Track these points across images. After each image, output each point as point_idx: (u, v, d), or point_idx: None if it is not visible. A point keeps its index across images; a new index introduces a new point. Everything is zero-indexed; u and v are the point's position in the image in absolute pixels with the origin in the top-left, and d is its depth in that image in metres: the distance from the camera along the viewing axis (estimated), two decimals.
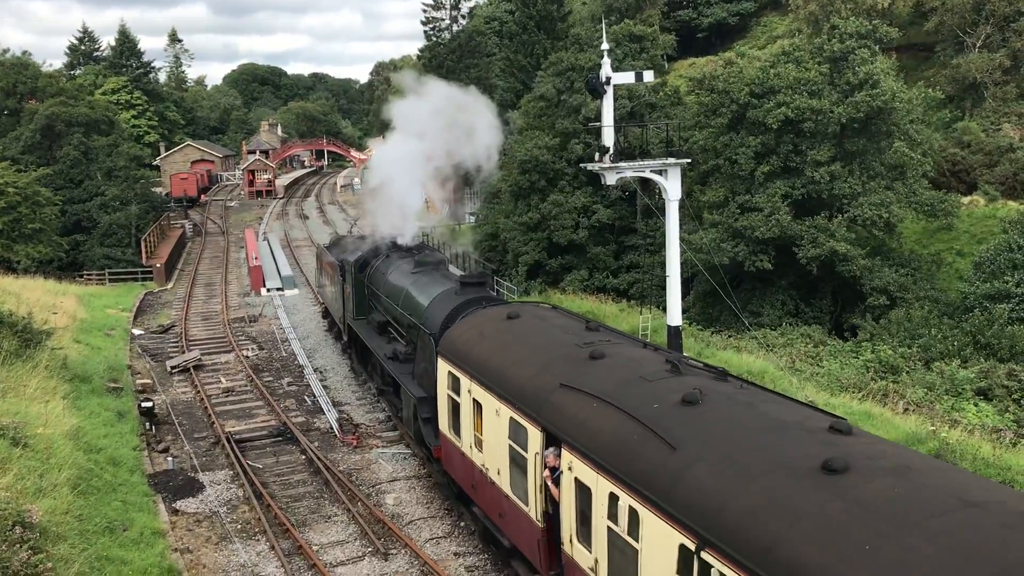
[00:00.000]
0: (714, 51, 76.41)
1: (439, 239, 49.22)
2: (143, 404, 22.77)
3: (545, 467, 11.24)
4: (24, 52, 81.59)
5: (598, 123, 24.25)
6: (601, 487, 9.58)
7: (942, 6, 52.68)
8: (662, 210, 24.70)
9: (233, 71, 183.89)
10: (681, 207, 24.16)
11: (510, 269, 43.37)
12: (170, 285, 46.34)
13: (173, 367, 28.16)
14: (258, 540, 16.18)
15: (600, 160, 23.18)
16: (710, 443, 8.58)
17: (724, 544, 7.41)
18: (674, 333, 24.38)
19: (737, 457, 8.20)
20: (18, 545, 11.23)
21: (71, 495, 14.61)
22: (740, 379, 10.84)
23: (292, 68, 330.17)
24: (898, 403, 23.29)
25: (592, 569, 9.97)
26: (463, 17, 70.58)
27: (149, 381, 26.71)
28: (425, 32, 70.94)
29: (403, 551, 15.41)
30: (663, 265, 25.06)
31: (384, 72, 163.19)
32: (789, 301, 35.64)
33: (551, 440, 11.04)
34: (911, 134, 35.40)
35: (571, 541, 10.56)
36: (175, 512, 17.38)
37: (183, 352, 30.21)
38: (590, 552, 10.03)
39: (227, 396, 25.43)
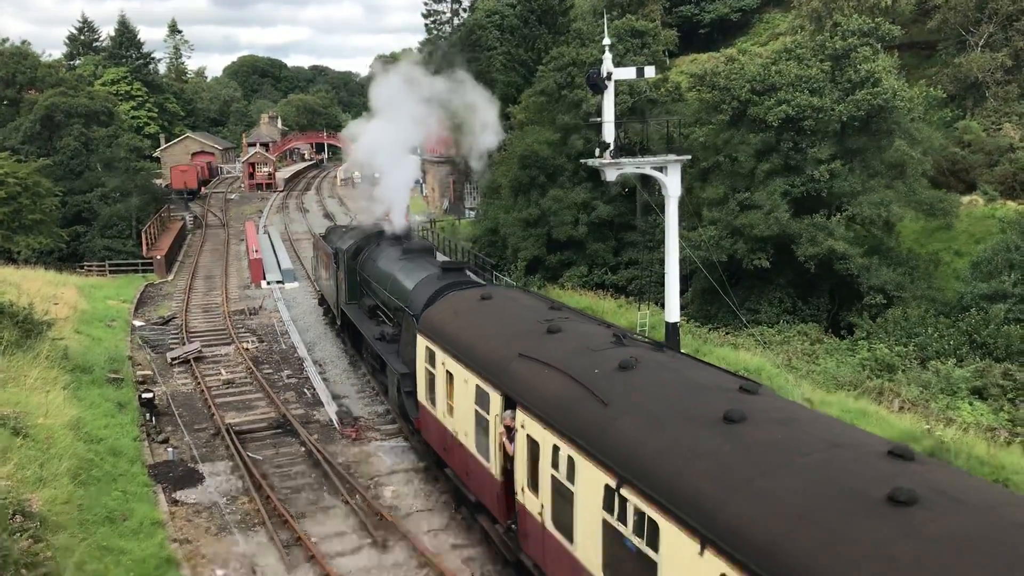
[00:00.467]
0: (716, 47, 76.42)
1: (439, 234, 49.31)
2: (143, 395, 22.84)
3: (503, 427, 12.54)
4: (24, 42, 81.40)
5: (599, 119, 24.31)
6: (547, 441, 10.90)
7: (945, 4, 52.69)
8: (662, 207, 24.78)
9: (233, 63, 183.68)
10: (681, 204, 24.23)
11: (509, 264, 43.46)
12: (170, 277, 46.41)
13: (173, 358, 28.25)
14: (257, 531, 16.28)
15: (600, 156, 23.24)
16: (636, 400, 9.82)
17: (637, 481, 8.72)
18: (672, 330, 24.47)
19: (655, 411, 9.46)
20: (18, 534, 11.32)
21: (71, 485, 14.72)
22: (674, 350, 12.40)
23: (292, 60, 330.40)
24: (893, 401, 23.41)
25: (539, 513, 11.38)
26: (464, 11, 70.61)
27: (149, 372, 26.80)
28: (426, 25, 71.06)
29: (401, 543, 15.52)
30: (662, 262, 25.15)
31: (385, 65, 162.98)
32: (787, 299, 35.76)
33: (509, 403, 12.30)
34: (912, 133, 35.47)
35: (523, 490, 11.96)
36: (175, 503, 17.47)
37: (183, 344, 30.29)
38: (537, 498, 11.42)
39: (227, 388, 25.52)
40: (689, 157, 26.28)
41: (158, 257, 48.11)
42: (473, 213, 59.66)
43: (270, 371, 27.21)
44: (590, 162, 24.50)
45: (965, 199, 40.98)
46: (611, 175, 23.48)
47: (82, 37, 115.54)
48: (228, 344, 30.64)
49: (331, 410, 22.84)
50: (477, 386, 13.41)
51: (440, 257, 24.84)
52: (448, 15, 70.60)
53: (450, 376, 14.79)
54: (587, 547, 9.98)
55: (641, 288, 37.95)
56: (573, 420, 10.31)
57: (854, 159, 35.32)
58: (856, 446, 8.07)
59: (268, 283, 41.27)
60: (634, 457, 8.97)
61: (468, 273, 20.48)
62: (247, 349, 29.64)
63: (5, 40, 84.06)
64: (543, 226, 41.92)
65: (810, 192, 34.88)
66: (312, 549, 15.24)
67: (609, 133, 23.14)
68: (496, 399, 12.65)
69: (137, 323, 34.18)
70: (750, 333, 31.72)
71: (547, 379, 11.33)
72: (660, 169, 23.55)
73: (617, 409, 9.74)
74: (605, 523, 9.45)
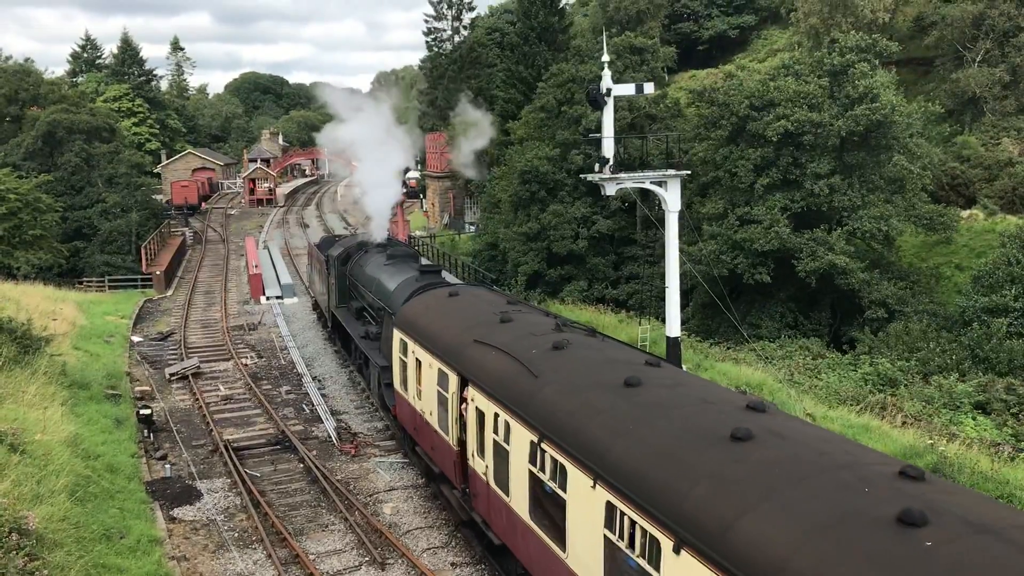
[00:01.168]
0: (714, 64, 76.77)
1: (439, 248, 49.32)
2: (141, 411, 22.75)
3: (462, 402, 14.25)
4: (27, 59, 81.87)
5: (598, 134, 24.35)
6: (491, 410, 12.69)
7: (942, 21, 52.97)
8: (662, 221, 24.77)
9: (235, 79, 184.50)
10: (681, 219, 24.22)
11: (510, 279, 43.42)
12: (170, 292, 46.36)
13: (172, 374, 28.15)
14: (255, 548, 16.15)
15: (600, 171, 23.25)
16: (561, 373, 11.68)
17: (554, 435, 10.63)
18: (673, 344, 24.39)
19: (574, 380, 11.36)
20: (14, 552, 11.21)
21: (68, 502, 14.59)
22: (604, 335, 14.57)
23: (294, 77, 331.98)
24: (896, 416, 23.29)
25: (484, 473, 13.27)
26: (465, 28, 70.87)
27: (148, 388, 26.71)
28: (427, 42, 71.26)
29: (400, 561, 15.39)
30: (662, 276, 25.10)
31: (386, 81, 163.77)
32: (788, 313, 35.69)
33: (463, 382, 14.03)
34: (911, 148, 35.51)
35: (473, 456, 13.84)
36: (172, 520, 17.35)
37: (182, 359, 30.21)
38: (483, 461, 13.27)
39: (226, 404, 25.42)
40: (688, 172, 26.33)
41: (157, 272, 48.07)
42: (473, 228, 59.70)
43: (269, 387, 27.11)
44: (590, 177, 24.52)
45: (965, 213, 41.00)
46: (611, 190, 23.49)
47: (85, 54, 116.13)
48: (227, 360, 30.55)
49: (330, 426, 22.73)
50: (439, 369, 15.18)
51: (424, 261, 27.30)
52: (449, 32, 70.85)
53: (419, 363, 16.55)
54: (518, 497, 11.92)
55: (642, 302, 37.92)
56: (511, 391, 12.16)
57: (853, 174, 35.35)
58: (720, 401, 10.15)
59: (267, 298, 41.22)
60: (553, 417, 10.87)
61: (444, 275, 22.77)
62: (246, 365, 29.55)
63: (8, 58, 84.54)
64: (543, 240, 41.92)
65: (810, 207, 34.89)
66: (310, 567, 15.12)
67: (609, 148, 23.16)
68: (454, 379, 14.44)
69: (136, 339, 34.10)
70: (751, 348, 31.63)
71: (494, 360, 13.09)
72: (660, 184, 23.56)
73: (545, 380, 11.64)
74: (531, 474, 11.34)
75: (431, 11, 70.22)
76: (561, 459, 10.32)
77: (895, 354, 29.90)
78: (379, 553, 15.53)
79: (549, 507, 10.93)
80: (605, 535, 9.41)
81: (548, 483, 10.74)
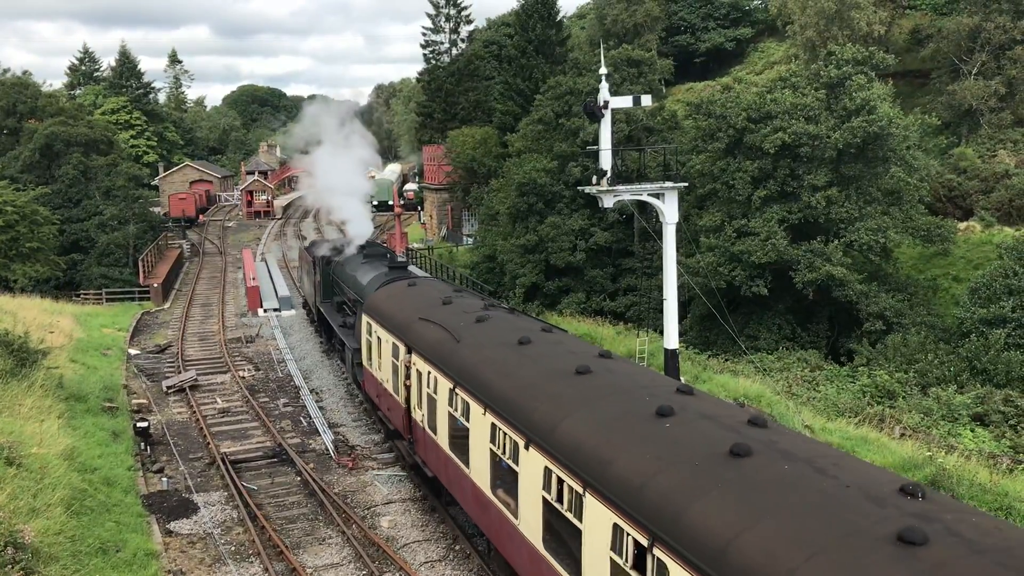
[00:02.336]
0: (711, 76, 77.07)
1: (437, 260, 49.30)
2: (138, 424, 22.66)
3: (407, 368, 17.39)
4: (25, 72, 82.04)
5: (596, 146, 24.42)
6: (426, 370, 15.98)
7: (938, 33, 53.29)
8: (659, 233, 24.79)
9: (232, 92, 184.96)
10: (678, 231, 24.25)
11: (508, 291, 43.39)
12: (167, 305, 46.28)
13: (169, 387, 28.06)
14: (252, 562, 16.06)
15: (598, 183, 23.30)
16: (476, 338, 14.81)
17: (464, 382, 13.76)
18: (671, 356, 24.37)
19: (484, 342, 14.46)
20: (10, 566, 11.15)
21: (64, 515, 14.51)
22: (519, 311, 18.54)
23: (292, 90, 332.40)
24: (894, 428, 23.27)
25: (422, 421, 16.70)
26: (462, 41, 71.15)
27: (145, 401, 26.63)
28: (424, 55, 71.49)
29: (398, 574, 15.31)
30: (660, 288, 25.11)
31: (383, 94, 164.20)
32: (786, 325, 35.68)
33: (409, 351, 17.18)
34: (908, 160, 35.60)
35: (415, 408, 17.23)
36: (169, 533, 17.25)
37: (179, 372, 30.13)
38: (421, 411, 16.70)
39: (223, 416, 25.34)
40: (686, 184, 26.37)
41: (155, 285, 47.99)
42: (471, 240, 59.73)
43: (266, 399, 27.04)
44: (588, 189, 24.56)
45: (962, 225, 41.09)
46: (608, 202, 23.54)
47: (83, 67, 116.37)
48: (224, 372, 30.48)
49: (327, 439, 22.65)
50: (393, 343, 18.54)
51: (400, 259, 31.19)
52: (446, 45, 71.14)
53: (380, 340, 19.91)
54: (443, 435, 15.24)
55: (640, 315, 37.88)
56: (439, 353, 15.30)
57: (850, 186, 35.43)
58: (579, 352, 13.17)
59: (265, 311, 41.15)
60: (463, 369, 14.00)
61: (411, 269, 27.47)
62: (243, 377, 29.48)
63: (6, 71, 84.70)
64: (541, 252, 41.91)
65: (807, 219, 34.95)
66: None
67: (606, 160, 23.21)
68: (402, 349, 17.71)
69: (133, 351, 34.01)
70: (750, 360, 31.59)
71: (431, 331, 16.32)
72: (657, 196, 23.60)
73: (464, 344, 14.72)
74: (450, 415, 14.55)
75: (429, 24, 70.56)
76: (467, 398, 13.56)
77: (893, 366, 29.89)
78: (377, 566, 15.45)
79: (461, 437, 14.06)
80: (491, 448, 12.59)
81: (460, 418, 13.95)
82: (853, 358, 32.76)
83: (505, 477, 12.33)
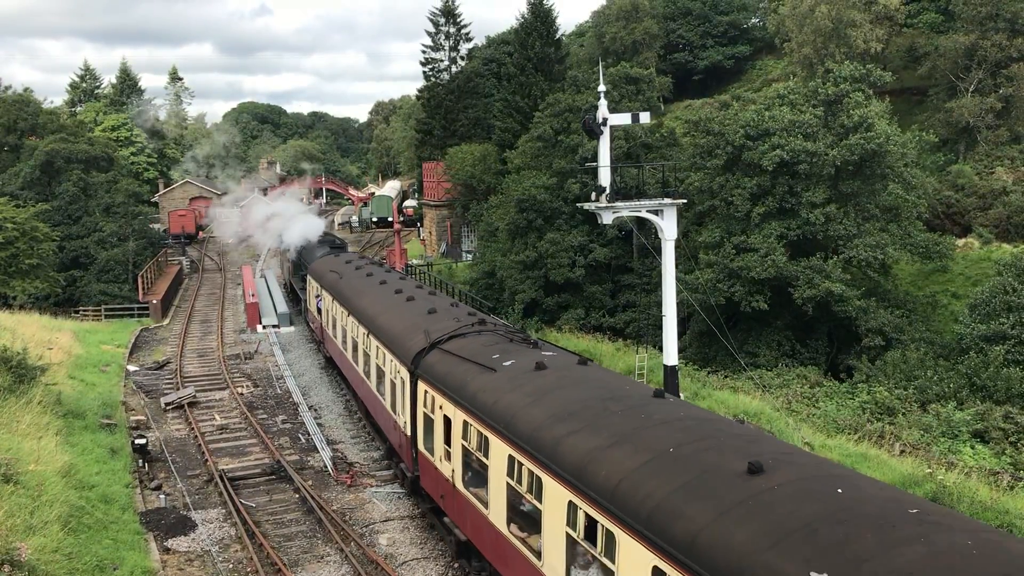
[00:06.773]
0: (710, 93, 77.37)
1: (436, 276, 49.31)
2: (137, 441, 22.59)
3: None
4: (26, 89, 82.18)
5: (595, 163, 24.50)
6: (325, 304, 27.88)
7: (935, 51, 53.55)
8: (658, 250, 24.83)
9: (232, 109, 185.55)
10: (677, 247, 24.30)
11: (507, 307, 43.38)
12: (166, 321, 46.25)
13: (167, 404, 28.01)
14: None
15: (597, 200, 23.37)
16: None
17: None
18: (670, 372, 24.35)
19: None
20: None
21: (61, 533, 14.45)
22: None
23: (293, 107, 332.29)
24: (894, 445, 23.21)
25: (329, 329, 28.39)
26: (462, 58, 71.43)
27: (143, 418, 26.56)
28: (424, 72, 71.75)
29: None
30: (659, 304, 25.12)
31: (383, 111, 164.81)
32: (785, 341, 35.63)
33: (320, 290, 23.55)
34: (905, 177, 35.68)
35: (324, 330, 27.03)
36: (166, 551, 17.17)
37: (178, 389, 30.07)
38: (334, 335, 27.50)
39: (221, 433, 25.27)
40: (684, 201, 26.43)
41: (154, 301, 47.97)
42: (470, 256, 59.77)
43: (264, 416, 26.97)
44: (587, 205, 24.62)
45: (960, 242, 41.15)
46: (607, 218, 23.60)
47: (84, 84, 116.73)
48: (223, 389, 30.42)
49: (326, 456, 22.58)
50: (316, 286, 31.22)
51: (353, 252, 45.96)
52: (446, 63, 71.41)
53: (321, 298, 30.69)
54: (349, 351, 23.06)
55: (639, 331, 37.85)
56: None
57: (849, 202, 35.50)
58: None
59: (264, 327, 41.13)
60: (340, 293, 23.74)
61: (347, 250, 42.90)
62: (242, 394, 29.42)
63: (8, 87, 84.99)
64: (540, 268, 41.94)
65: (806, 235, 34.98)
66: None
67: (605, 177, 23.30)
68: (326, 296, 28.78)
69: (131, 368, 33.95)
70: (749, 376, 31.54)
71: (331, 278, 28.03)
72: (656, 212, 23.67)
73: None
74: (343, 329, 21.86)
75: (428, 42, 70.89)
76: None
77: (892, 382, 29.85)
78: None
79: (352, 347, 21.20)
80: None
81: (345, 337, 20.94)
82: (852, 374, 32.71)
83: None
